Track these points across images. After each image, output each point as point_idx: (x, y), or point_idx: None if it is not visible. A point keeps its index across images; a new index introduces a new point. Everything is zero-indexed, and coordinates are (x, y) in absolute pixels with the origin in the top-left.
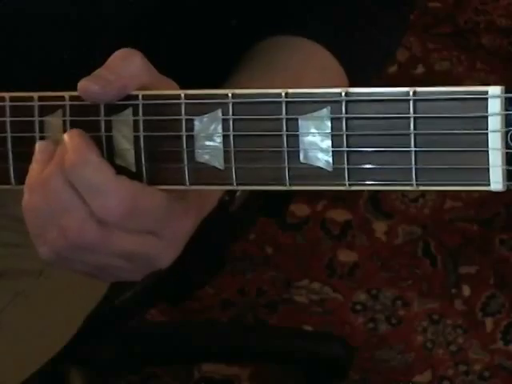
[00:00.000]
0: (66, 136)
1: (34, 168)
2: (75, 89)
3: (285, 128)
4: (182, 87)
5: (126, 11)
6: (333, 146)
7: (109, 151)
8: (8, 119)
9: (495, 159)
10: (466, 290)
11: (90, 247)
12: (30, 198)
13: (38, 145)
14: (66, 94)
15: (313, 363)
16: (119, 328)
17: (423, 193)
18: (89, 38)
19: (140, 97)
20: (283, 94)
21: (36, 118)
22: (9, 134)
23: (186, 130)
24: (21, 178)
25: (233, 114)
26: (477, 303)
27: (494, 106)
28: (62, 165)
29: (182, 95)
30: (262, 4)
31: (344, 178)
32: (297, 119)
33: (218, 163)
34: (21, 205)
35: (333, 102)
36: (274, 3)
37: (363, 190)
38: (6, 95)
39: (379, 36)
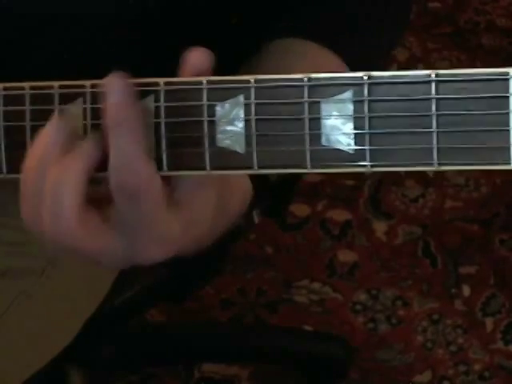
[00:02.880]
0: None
1: None
2: None
3: (307, 111)
4: None
5: (126, 11)
6: (355, 129)
7: None
8: (28, 108)
9: None
10: (466, 290)
11: None
12: None
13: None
14: (87, 82)
15: (313, 363)
16: (119, 328)
17: (423, 193)
18: (89, 38)
19: (162, 83)
20: (305, 79)
21: (56, 107)
22: (28, 123)
23: (208, 116)
24: None
25: (255, 99)
26: (477, 303)
27: None
28: None
29: (204, 81)
30: (263, 5)
31: (365, 159)
32: (319, 102)
33: (240, 148)
34: None
35: (355, 85)
36: (275, 5)
37: (363, 190)
38: (26, 84)
39: (379, 36)
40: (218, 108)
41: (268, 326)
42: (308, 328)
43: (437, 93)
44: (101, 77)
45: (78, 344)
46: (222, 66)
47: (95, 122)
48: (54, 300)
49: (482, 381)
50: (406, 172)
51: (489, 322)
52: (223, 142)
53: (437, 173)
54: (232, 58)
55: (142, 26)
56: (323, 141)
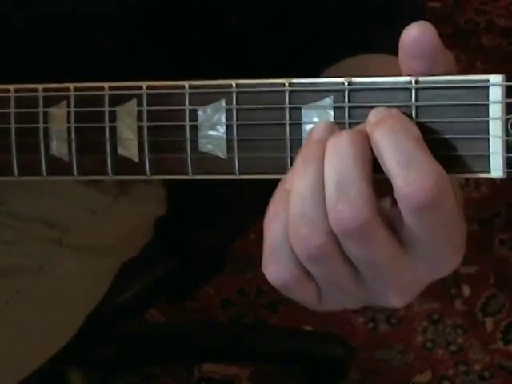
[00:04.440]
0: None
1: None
2: None
3: (288, 117)
4: None
5: (126, 11)
6: None
7: (112, 141)
8: (12, 110)
9: (496, 146)
10: (466, 290)
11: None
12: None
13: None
14: (71, 85)
15: (313, 363)
16: (119, 328)
17: None
18: (88, 38)
19: (144, 87)
20: (287, 84)
21: (40, 109)
22: (13, 126)
23: (190, 120)
24: (24, 170)
25: (236, 104)
26: (477, 303)
27: (495, 94)
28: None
29: (186, 85)
30: (263, 5)
31: None
32: (300, 108)
33: (221, 153)
34: (20, 202)
35: (336, 91)
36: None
37: None
38: (11, 87)
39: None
40: (199, 113)
41: (268, 326)
42: (308, 328)
43: (416, 100)
44: (99, 78)
45: (78, 344)
46: (221, 68)
47: (78, 125)
48: (51, 298)
49: (482, 381)
50: None
51: (489, 322)
52: (205, 146)
53: None
54: (232, 59)
55: (142, 27)
56: (304, 146)
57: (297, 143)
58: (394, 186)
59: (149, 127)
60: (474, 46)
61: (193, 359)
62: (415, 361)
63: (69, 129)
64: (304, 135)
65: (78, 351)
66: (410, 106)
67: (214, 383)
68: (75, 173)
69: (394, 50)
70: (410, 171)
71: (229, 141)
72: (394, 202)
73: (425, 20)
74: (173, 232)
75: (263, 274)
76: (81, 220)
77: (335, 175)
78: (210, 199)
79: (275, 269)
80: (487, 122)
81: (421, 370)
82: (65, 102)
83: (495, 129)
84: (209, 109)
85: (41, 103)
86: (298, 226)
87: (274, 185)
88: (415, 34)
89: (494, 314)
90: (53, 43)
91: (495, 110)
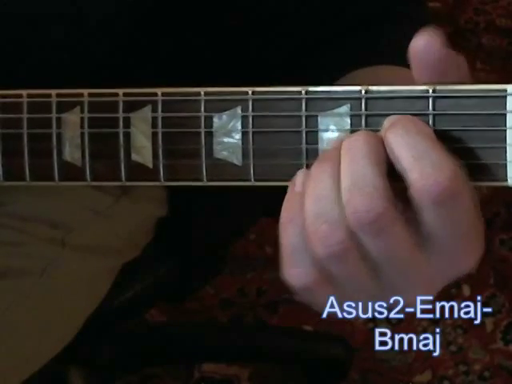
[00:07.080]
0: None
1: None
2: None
3: (304, 125)
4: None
5: (126, 11)
6: None
7: (126, 147)
8: (25, 115)
9: None
10: (466, 290)
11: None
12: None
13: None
14: (85, 91)
15: (313, 363)
16: (119, 328)
17: None
18: (89, 37)
19: (159, 93)
20: (303, 92)
21: (53, 115)
22: (25, 131)
23: (205, 127)
24: (35, 175)
25: (252, 111)
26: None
27: None
28: None
29: (202, 92)
30: (263, 5)
31: None
32: (316, 116)
33: (236, 159)
34: (22, 203)
35: (353, 99)
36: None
37: None
38: (24, 92)
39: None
40: (215, 119)
41: (268, 326)
42: (308, 328)
43: (434, 108)
44: (100, 77)
45: (78, 344)
46: (221, 68)
47: (92, 131)
48: (54, 299)
49: (482, 381)
50: None
51: (489, 322)
52: (220, 153)
53: None
54: (232, 60)
55: (142, 27)
56: (320, 154)
57: (313, 151)
58: (409, 182)
59: (163, 133)
60: (474, 46)
61: (193, 359)
62: (415, 361)
63: (82, 134)
64: (320, 143)
65: (78, 351)
66: (427, 115)
67: (214, 383)
68: (88, 178)
69: (398, 59)
70: (425, 166)
71: (244, 148)
72: (406, 206)
73: (428, 22)
74: (173, 232)
75: (263, 274)
76: (83, 220)
77: (350, 171)
78: (210, 199)
79: (296, 272)
80: (504, 131)
81: (421, 370)
82: (78, 108)
83: None
84: (224, 116)
85: (54, 108)
86: (317, 225)
87: (275, 186)
88: (422, 44)
89: (494, 313)
90: (53, 43)
91: None
